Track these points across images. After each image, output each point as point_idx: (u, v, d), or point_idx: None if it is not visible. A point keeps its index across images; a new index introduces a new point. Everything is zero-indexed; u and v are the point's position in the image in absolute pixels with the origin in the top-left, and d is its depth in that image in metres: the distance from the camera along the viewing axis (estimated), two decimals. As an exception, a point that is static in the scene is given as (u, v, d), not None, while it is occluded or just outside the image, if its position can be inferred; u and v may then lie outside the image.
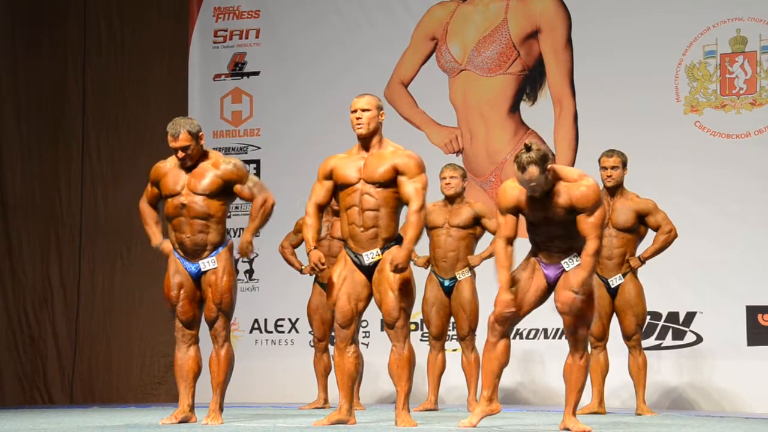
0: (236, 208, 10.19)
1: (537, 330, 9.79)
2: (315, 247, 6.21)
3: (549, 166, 5.79)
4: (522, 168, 5.76)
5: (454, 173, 8.43)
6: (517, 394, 9.72)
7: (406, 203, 6.13)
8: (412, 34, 10.51)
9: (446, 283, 8.43)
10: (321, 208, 6.34)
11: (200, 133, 6.51)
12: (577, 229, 5.91)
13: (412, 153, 6.23)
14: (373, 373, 9.63)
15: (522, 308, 6.01)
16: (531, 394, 9.70)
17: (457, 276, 8.41)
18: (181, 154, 6.45)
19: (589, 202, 5.86)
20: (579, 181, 5.88)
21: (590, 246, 5.84)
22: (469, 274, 8.42)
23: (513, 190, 5.97)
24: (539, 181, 5.78)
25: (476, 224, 8.41)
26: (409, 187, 6.13)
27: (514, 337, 9.64)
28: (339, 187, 6.29)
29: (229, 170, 6.49)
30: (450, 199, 8.44)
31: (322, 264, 6.19)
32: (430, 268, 8.51)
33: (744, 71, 9.53)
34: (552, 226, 5.93)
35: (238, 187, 6.48)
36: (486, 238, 8.51)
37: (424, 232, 8.53)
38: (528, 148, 5.76)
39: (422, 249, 8.60)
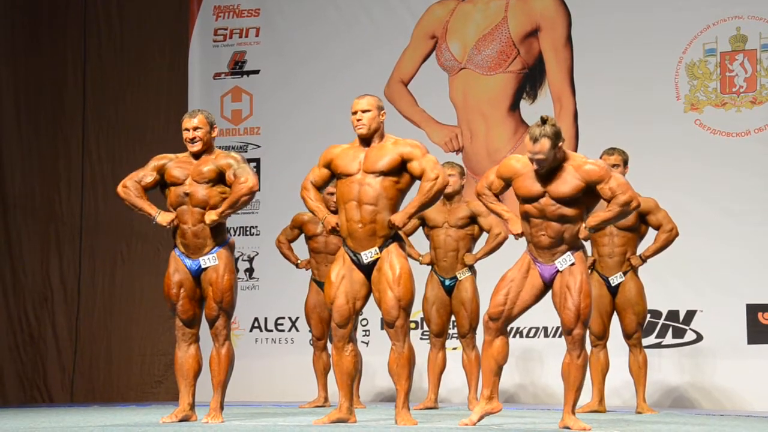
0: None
1: (537, 328, 9.79)
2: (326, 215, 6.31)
3: (560, 144, 5.82)
4: (534, 139, 5.79)
5: (451, 171, 8.43)
6: (516, 395, 9.71)
7: (419, 178, 6.20)
8: (411, 32, 10.51)
9: (447, 282, 8.43)
10: (317, 187, 6.39)
11: (215, 126, 6.65)
12: (574, 217, 5.90)
13: (412, 140, 6.31)
14: (373, 372, 9.64)
15: (515, 307, 6.01)
16: (530, 394, 9.69)
17: (458, 275, 8.40)
18: (192, 134, 6.53)
19: (601, 172, 5.90)
20: (585, 161, 5.93)
21: (621, 198, 5.87)
22: (470, 273, 8.42)
23: (516, 163, 6.03)
24: (548, 155, 5.81)
25: (473, 223, 8.40)
26: (420, 164, 6.19)
27: (514, 336, 9.65)
28: (338, 177, 6.31)
29: (225, 162, 6.54)
30: (448, 198, 8.44)
31: (338, 228, 6.27)
32: (431, 267, 8.51)
33: (744, 69, 9.53)
34: (548, 207, 5.92)
35: (227, 174, 6.50)
36: (484, 239, 8.50)
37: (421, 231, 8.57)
38: (544, 121, 5.80)
39: (423, 247, 8.60)
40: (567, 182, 5.90)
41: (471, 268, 8.43)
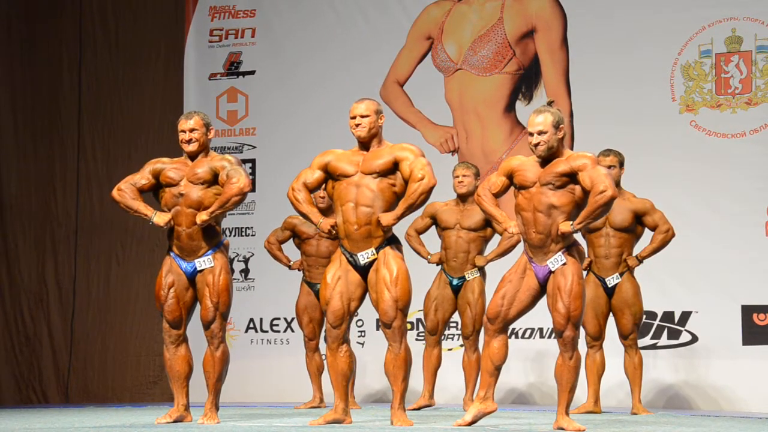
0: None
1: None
2: (321, 220, 6.29)
3: (561, 132, 5.96)
4: (538, 112, 5.98)
5: (466, 171, 8.42)
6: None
7: (407, 180, 6.18)
8: (407, 33, 10.51)
9: (455, 281, 8.42)
10: (310, 191, 6.37)
11: (211, 127, 6.64)
12: (562, 209, 5.91)
13: (410, 145, 6.32)
14: (369, 372, 9.63)
15: (512, 308, 6.03)
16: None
17: (466, 275, 8.39)
18: (188, 135, 6.52)
19: (585, 161, 5.94)
20: (578, 154, 6.03)
21: (597, 187, 5.85)
22: (479, 274, 8.40)
23: (515, 159, 6.17)
24: (549, 132, 5.93)
25: (487, 226, 8.37)
26: (410, 165, 6.18)
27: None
28: (335, 179, 6.31)
29: (219, 164, 6.54)
30: (462, 198, 8.43)
31: (335, 230, 6.26)
32: (441, 267, 8.50)
33: (739, 70, 9.54)
34: (538, 196, 5.95)
35: (221, 174, 6.49)
36: (496, 240, 8.48)
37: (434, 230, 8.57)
38: (550, 104, 6.06)
39: (434, 247, 8.57)
40: (557, 167, 5.99)
41: (481, 269, 8.42)
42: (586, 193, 5.96)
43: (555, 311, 5.95)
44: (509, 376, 9.41)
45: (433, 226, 8.59)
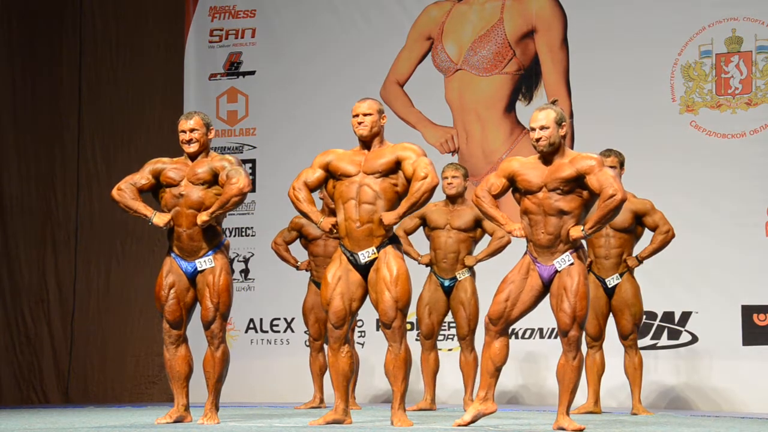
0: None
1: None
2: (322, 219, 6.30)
3: (564, 129, 5.96)
4: (541, 108, 6.01)
5: (455, 173, 8.43)
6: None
7: (410, 179, 6.18)
8: (407, 33, 10.51)
9: (446, 283, 8.42)
10: (311, 190, 6.37)
11: (211, 127, 6.63)
12: (572, 212, 5.92)
13: (411, 144, 6.32)
14: (369, 373, 9.63)
15: (515, 308, 6.03)
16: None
17: (457, 276, 8.39)
18: (188, 136, 6.52)
19: (591, 164, 5.94)
20: (582, 155, 6.02)
21: (606, 191, 5.86)
22: (470, 274, 8.41)
23: (515, 161, 6.14)
24: (552, 128, 5.93)
25: (477, 226, 8.39)
26: (412, 164, 6.18)
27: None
28: (336, 178, 6.31)
29: (219, 164, 6.54)
30: (451, 199, 8.44)
31: (336, 229, 6.26)
32: (430, 268, 8.50)
33: (739, 71, 9.54)
34: (546, 201, 5.94)
35: (221, 175, 6.49)
36: (485, 240, 8.49)
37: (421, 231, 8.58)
38: (554, 102, 6.09)
39: (423, 248, 8.59)
40: (563, 171, 5.97)
41: (470, 269, 8.43)
42: (593, 194, 5.97)
43: (560, 311, 5.95)
44: (506, 377, 9.41)
45: (421, 228, 8.59)
